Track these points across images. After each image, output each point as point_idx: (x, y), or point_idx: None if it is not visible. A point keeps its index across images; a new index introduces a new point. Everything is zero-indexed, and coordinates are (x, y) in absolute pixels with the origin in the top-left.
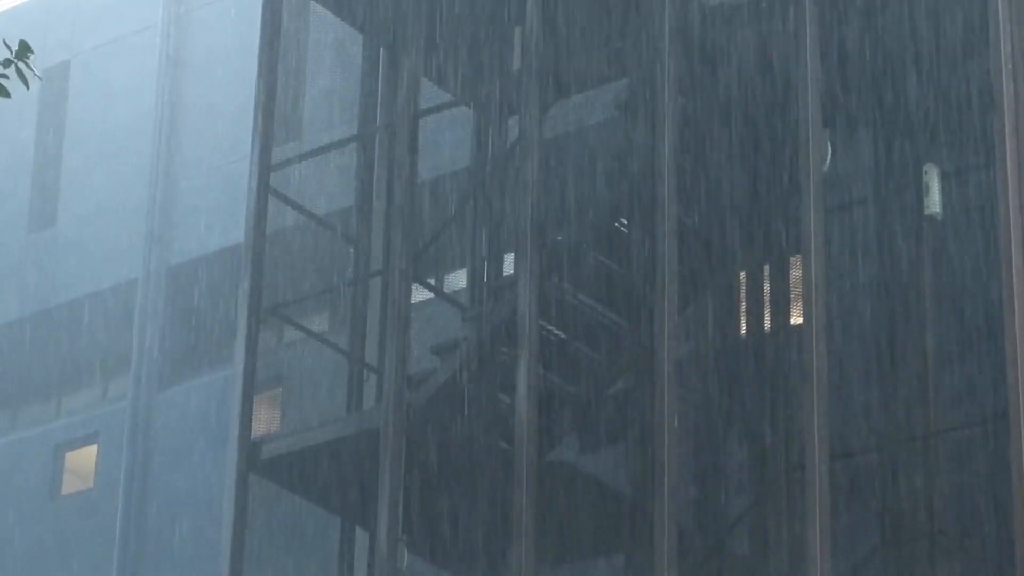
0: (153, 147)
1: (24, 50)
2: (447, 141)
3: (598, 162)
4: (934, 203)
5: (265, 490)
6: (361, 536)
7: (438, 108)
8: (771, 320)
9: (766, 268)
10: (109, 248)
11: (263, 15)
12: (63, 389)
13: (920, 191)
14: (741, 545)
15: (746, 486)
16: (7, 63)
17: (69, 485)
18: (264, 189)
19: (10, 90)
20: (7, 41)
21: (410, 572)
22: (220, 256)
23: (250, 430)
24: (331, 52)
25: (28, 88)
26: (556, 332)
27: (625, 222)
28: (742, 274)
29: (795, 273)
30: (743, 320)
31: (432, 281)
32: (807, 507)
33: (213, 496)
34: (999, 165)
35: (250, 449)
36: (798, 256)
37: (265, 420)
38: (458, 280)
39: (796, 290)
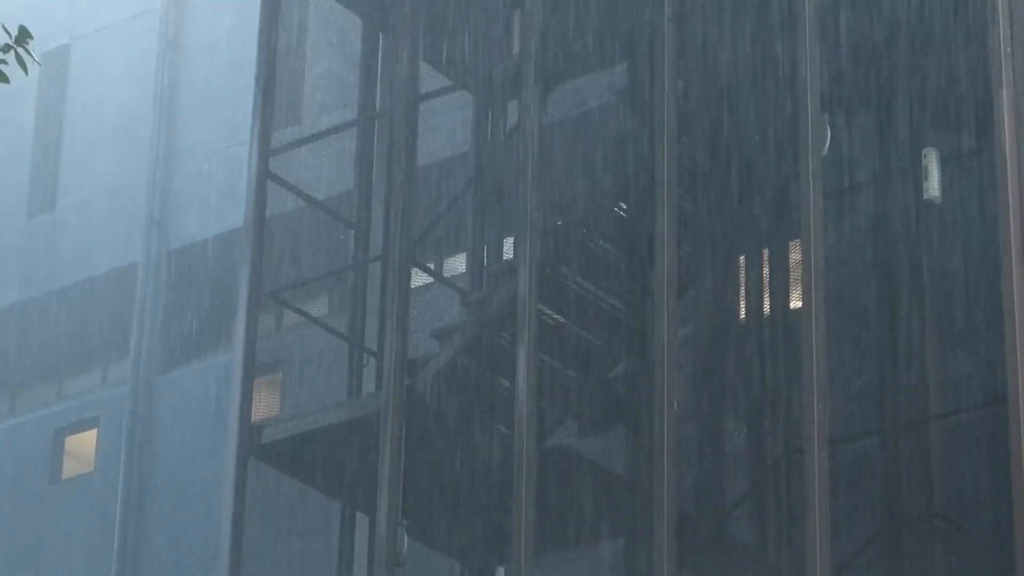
0: (152, 131)
1: (23, 35)
2: (446, 125)
3: (597, 146)
4: (933, 187)
5: (265, 474)
6: (361, 521)
7: (438, 92)
8: (770, 304)
9: (765, 252)
10: (109, 232)
11: None
12: (63, 373)
13: (919, 175)
14: (740, 529)
15: (745, 470)
16: (6, 48)
17: (69, 469)
18: (264, 173)
19: (9, 75)
20: (6, 26)
21: (410, 557)
22: (220, 240)
23: (250, 414)
24: (330, 36)
25: (27, 74)
26: (556, 317)
27: (624, 206)
28: (741, 258)
29: (794, 257)
30: (742, 304)
31: (432, 266)
32: (806, 491)
33: (213, 480)
34: (998, 149)
35: (250, 433)
36: (797, 240)
37: (265, 404)
38: (458, 265)
39: (795, 274)
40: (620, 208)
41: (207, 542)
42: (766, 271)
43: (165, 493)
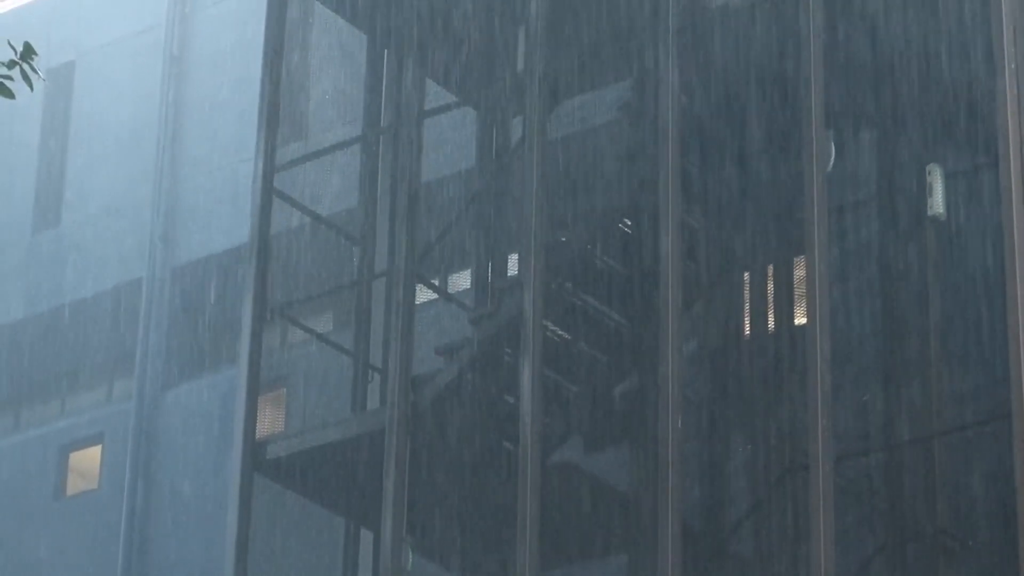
0: (157, 147)
1: (28, 51)
2: (451, 142)
3: (602, 163)
4: (938, 204)
5: (269, 491)
6: (366, 537)
7: (442, 109)
8: (774, 320)
9: (769, 268)
10: (113, 248)
11: (267, 15)
12: (67, 389)
13: (924, 191)
14: (745, 545)
15: (750, 486)
16: (11, 64)
17: (73, 486)
18: (268, 189)
19: (14, 91)
20: (11, 41)
21: (415, 573)
22: (224, 256)
23: (254, 431)
24: (335, 53)
25: (32, 89)
26: (560, 333)
27: (629, 223)
28: (746, 274)
29: (798, 273)
30: (747, 320)
31: (436, 282)
32: (811, 507)
33: (217, 497)
34: (1002, 165)
35: (254, 450)
36: (801, 256)
37: (269, 420)
38: (462, 281)
39: (799, 290)
40: (624, 224)
41: (212, 558)
42: (771, 287)
43: (169, 509)
